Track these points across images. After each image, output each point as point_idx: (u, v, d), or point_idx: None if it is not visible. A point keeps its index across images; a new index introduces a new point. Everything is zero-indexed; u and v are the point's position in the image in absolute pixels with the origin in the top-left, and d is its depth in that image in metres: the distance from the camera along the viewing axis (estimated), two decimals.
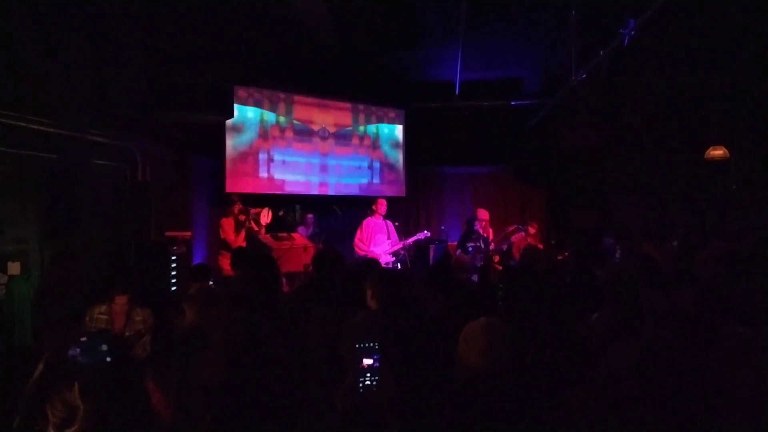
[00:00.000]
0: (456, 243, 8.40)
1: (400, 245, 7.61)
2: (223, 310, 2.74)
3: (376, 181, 10.28)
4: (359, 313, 2.88)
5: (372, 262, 4.56)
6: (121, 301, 3.89)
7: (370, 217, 7.60)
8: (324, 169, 9.63)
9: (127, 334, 3.76)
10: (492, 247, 7.98)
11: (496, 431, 1.85)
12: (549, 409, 1.93)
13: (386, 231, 7.53)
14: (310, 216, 9.03)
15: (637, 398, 1.67)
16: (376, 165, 10.31)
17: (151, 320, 4.00)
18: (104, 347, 1.76)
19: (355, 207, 9.39)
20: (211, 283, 4.60)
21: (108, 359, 1.75)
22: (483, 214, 8.19)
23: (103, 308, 3.87)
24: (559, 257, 5.96)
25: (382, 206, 7.59)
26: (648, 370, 1.69)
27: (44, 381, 1.92)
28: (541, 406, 1.94)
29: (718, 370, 1.79)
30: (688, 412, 1.62)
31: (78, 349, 1.75)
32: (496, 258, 7.75)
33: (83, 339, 1.78)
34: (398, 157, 10.58)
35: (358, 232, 7.57)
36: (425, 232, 8.00)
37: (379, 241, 7.45)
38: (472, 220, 8.16)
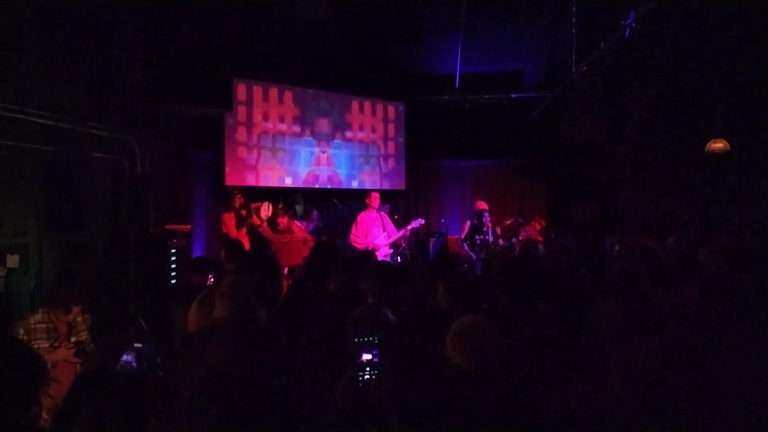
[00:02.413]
0: (456, 237, 8.37)
1: (397, 236, 7.61)
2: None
3: (375, 174, 10.25)
4: (358, 307, 2.87)
5: (366, 255, 4.53)
6: (77, 309, 3.66)
7: (364, 212, 7.61)
8: (323, 162, 9.61)
9: (73, 339, 3.56)
10: (501, 243, 7.96)
11: (495, 426, 1.85)
12: (549, 404, 1.92)
13: (381, 224, 7.53)
14: (314, 212, 9.03)
15: (637, 394, 1.66)
16: (376, 158, 10.28)
17: (89, 317, 3.81)
18: (160, 360, 1.68)
19: (356, 200, 9.37)
20: (211, 276, 4.60)
21: (161, 373, 1.67)
22: (484, 205, 8.20)
23: (38, 317, 3.52)
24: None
25: (375, 200, 7.59)
26: (652, 366, 1.67)
27: (89, 381, 1.85)
28: (541, 401, 1.93)
29: (722, 365, 1.78)
30: (690, 406, 1.61)
31: (132, 356, 1.67)
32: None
33: (138, 346, 1.69)
34: (398, 151, 10.54)
35: (354, 227, 7.57)
36: (420, 220, 8.00)
37: (376, 235, 7.45)
38: (482, 212, 8.11)
